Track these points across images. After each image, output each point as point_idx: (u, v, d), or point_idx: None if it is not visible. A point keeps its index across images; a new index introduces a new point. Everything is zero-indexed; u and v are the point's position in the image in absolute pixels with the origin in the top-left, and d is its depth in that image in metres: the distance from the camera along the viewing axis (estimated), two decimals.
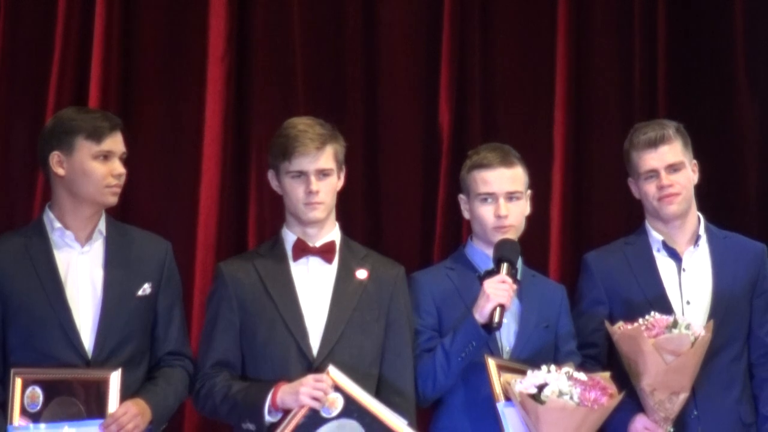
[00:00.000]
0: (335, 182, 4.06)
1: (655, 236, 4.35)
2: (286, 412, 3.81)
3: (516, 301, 4.15)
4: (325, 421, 3.79)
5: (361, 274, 4.05)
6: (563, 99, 5.28)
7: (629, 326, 4.05)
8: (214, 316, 4.02)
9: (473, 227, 4.27)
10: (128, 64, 5.00)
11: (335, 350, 3.94)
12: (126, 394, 3.81)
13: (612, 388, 3.90)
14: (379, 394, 3.92)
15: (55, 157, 3.90)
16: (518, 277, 4.11)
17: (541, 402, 3.82)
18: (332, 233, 4.09)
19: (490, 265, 4.11)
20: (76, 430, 3.71)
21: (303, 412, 3.79)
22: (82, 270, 3.92)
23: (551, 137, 5.26)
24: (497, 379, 3.96)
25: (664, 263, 4.33)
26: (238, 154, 5.06)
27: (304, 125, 4.04)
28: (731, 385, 4.25)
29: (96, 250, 3.95)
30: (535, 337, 4.17)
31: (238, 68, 5.07)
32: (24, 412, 3.73)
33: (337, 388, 3.80)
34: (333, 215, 4.10)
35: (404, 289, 4.12)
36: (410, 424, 3.85)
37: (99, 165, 3.89)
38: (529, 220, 4.28)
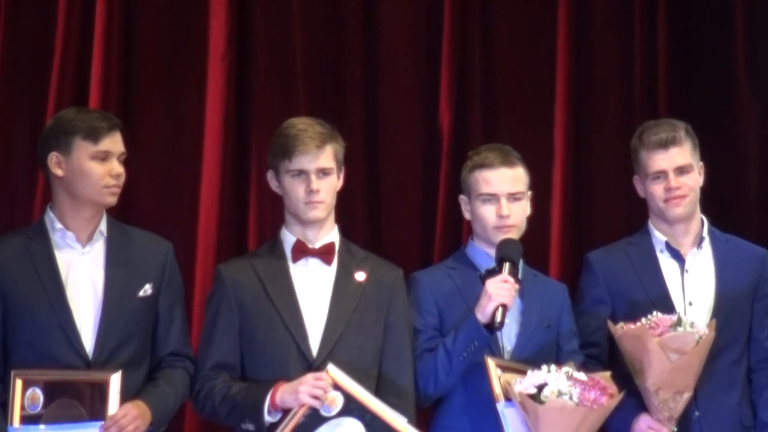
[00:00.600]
0: (335, 182, 4.06)
1: (659, 237, 4.34)
2: (286, 411, 3.81)
3: (517, 301, 4.16)
4: (325, 419, 3.79)
5: (360, 276, 4.05)
6: (563, 99, 5.28)
7: (632, 326, 4.05)
8: (213, 318, 4.03)
9: (474, 227, 4.27)
10: (129, 64, 4.99)
11: (335, 351, 3.94)
12: (126, 395, 3.81)
13: (612, 387, 3.90)
14: (378, 395, 3.91)
15: (53, 157, 3.90)
16: (519, 276, 4.12)
17: (541, 402, 3.82)
18: (331, 234, 4.09)
19: (492, 265, 4.11)
20: None
21: (303, 411, 3.79)
22: (83, 270, 3.92)
23: (552, 137, 5.25)
24: (497, 379, 3.96)
25: (667, 264, 4.33)
26: (238, 154, 5.05)
27: (304, 124, 4.04)
28: (732, 387, 4.25)
29: (97, 250, 3.95)
30: (537, 336, 4.17)
31: (238, 68, 5.06)
32: (24, 413, 3.73)
33: (337, 387, 3.80)
34: (332, 217, 4.10)
35: (403, 292, 4.13)
36: (410, 423, 3.84)
37: (97, 165, 3.89)
38: (530, 219, 4.28)
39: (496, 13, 5.29)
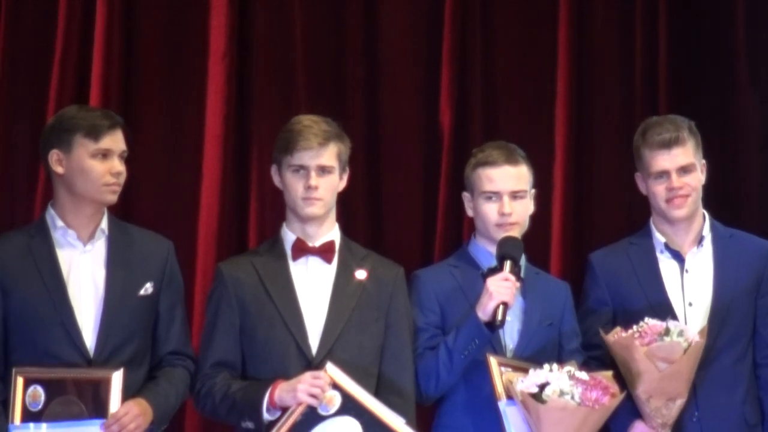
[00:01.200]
0: (336, 181, 4.06)
1: (659, 238, 4.33)
2: (284, 409, 3.81)
3: (519, 299, 4.15)
4: (323, 418, 3.79)
5: (361, 274, 4.05)
6: (564, 97, 5.28)
7: (624, 333, 4.04)
8: (213, 317, 4.03)
9: (477, 225, 4.27)
10: (129, 63, 5.00)
11: (334, 349, 3.94)
12: (127, 394, 3.80)
13: (614, 387, 3.90)
14: (378, 394, 3.91)
15: (54, 155, 3.90)
16: (522, 274, 4.12)
17: (542, 401, 3.81)
18: (332, 233, 4.08)
19: (494, 263, 4.11)
20: (78, 430, 3.72)
21: (300, 409, 3.78)
22: (84, 269, 3.91)
23: (552, 135, 5.25)
24: (499, 377, 3.96)
25: (666, 265, 4.32)
26: (239, 153, 5.06)
27: (309, 121, 4.05)
28: (735, 385, 4.23)
29: (98, 249, 3.95)
30: (539, 335, 4.17)
31: (239, 67, 5.07)
32: (25, 411, 3.73)
33: (335, 386, 3.79)
34: (333, 215, 4.09)
35: (404, 290, 4.12)
36: (409, 424, 3.84)
37: (97, 163, 3.88)
38: (531, 218, 4.27)
39: (496, 12, 5.29)
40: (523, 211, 4.20)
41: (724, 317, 4.23)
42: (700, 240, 4.33)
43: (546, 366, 3.87)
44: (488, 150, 4.23)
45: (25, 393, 3.74)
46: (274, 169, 4.09)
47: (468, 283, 4.16)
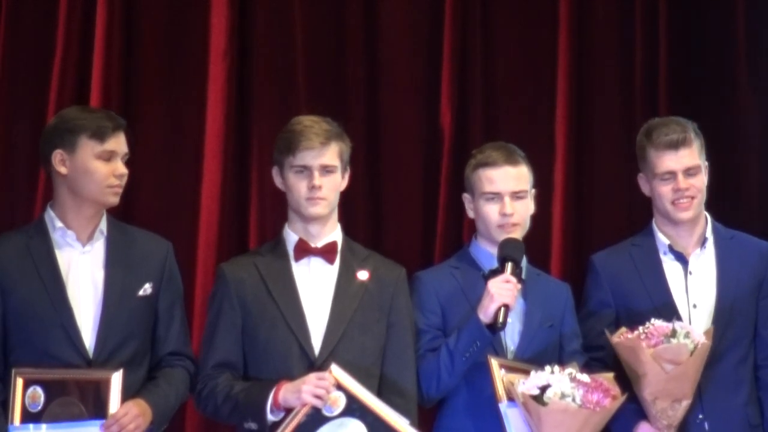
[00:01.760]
0: (338, 180, 4.06)
1: (662, 239, 4.33)
2: (288, 410, 3.81)
3: (520, 301, 4.15)
4: (327, 419, 3.79)
5: (363, 275, 4.05)
6: (564, 97, 5.27)
7: (629, 334, 4.04)
8: (215, 317, 4.02)
9: (478, 226, 4.27)
10: (129, 63, 5.00)
11: (337, 350, 3.94)
12: (127, 394, 3.80)
13: (615, 389, 3.90)
14: (380, 394, 3.91)
15: (57, 155, 3.89)
16: (523, 276, 4.12)
17: (543, 404, 3.81)
18: (334, 233, 4.08)
19: (495, 264, 4.10)
20: (77, 431, 3.71)
21: (305, 410, 3.78)
22: (83, 269, 3.91)
23: (553, 135, 5.24)
24: (500, 379, 3.96)
25: (670, 266, 4.32)
26: (239, 153, 5.06)
27: (310, 121, 4.05)
28: (738, 387, 4.23)
29: (97, 249, 3.95)
30: (540, 336, 4.17)
31: (239, 67, 5.06)
32: (25, 412, 3.73)
33: (340, 387, 3.79)
34: (335, 216, 4.09)
35: (405, 291, 4.12)
36: (412, 424, 3.84)
37: (101, 165, 3.88)
38: (531, 218, 4.27)
39: (496, 12, 5.28)
40: (524, 211, 4.20)
41: (728, 319, 4.23)
42: (703, 242, 4.33)
43: (547, 368, 3.87)
44: (488, 151, 4.23)
45: (24, 394, 3.74)
46: (275, 171, 4.09)
47: (469, 285, 4.16)
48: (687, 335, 4.00)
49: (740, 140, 5.28)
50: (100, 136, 3.88)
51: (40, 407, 3.73)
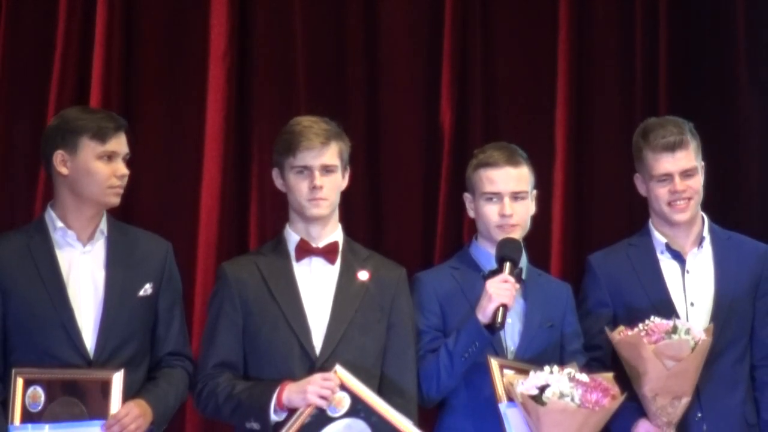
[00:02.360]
0: (339, 180, 4.06)
1: (659, 238, 4.33)
2: (292, 411, 3.81)
3: (520, 301, 4.16)
4: (332, 420, 3.79)
5: (363, 275, 4.05)
6: (564, 97, 5.27)
7: (629, 332, 4.04)
8: (216, 316, 4.02)
9: (478, 226, 4.27)
10: (129, 63, 4.99)
11: (338, 350, 3.94)
12: (127, 395, 3.80)
13: (614, 389, 3.90)
14: (380, 394, 3.90)
15: (59, 156, 3.89)
16: (523, 276, 4.12)
17: (542, 403, 3.81)
18: (335, 234, 4.09)
19: (495, 265, 4.10)
20: (78, 431, 3.72)
21: (309, 411, 3.78)
22: (83, 270, 3.91)
23: (553, 136, 5.24)
24: (500, 379, 3.96)
25: (667, 265, 4.32)
26: (239, 153, 5.05)
27: (309, 121, 4.05)
28: (735, 386, 4.24)
29: (97, 249, 3.95)
30: (540, 336, 4.17)
31: (239, 67, 5.06)
32: (25, 412, 3.73)
33: (344, 387, 3.80)
34: (336, 216, 4.10)
35: (406, 291, 4.12)
36: (415, 425, 3.84)
37: (103, 165, 3.88)
38: (531, 218, 4.27)
39: (496, 12, 5.28)
40: (524, 212, 4.19)
41: (726, 317, 4.23)
42: (700, 241, 4.33)
43: (546, 368, 3.87)
44: (489, 151, 4.22)
45: (24, 394, 3.74)
46: (275, 173, 4.09)
47: (469, 285, 4.15)
48: (688, 332, 4.00)
49: (740, 140, 5.28)
50: (101, 136, 3.88)
51: (40, 407, 3.73)
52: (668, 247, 4.32)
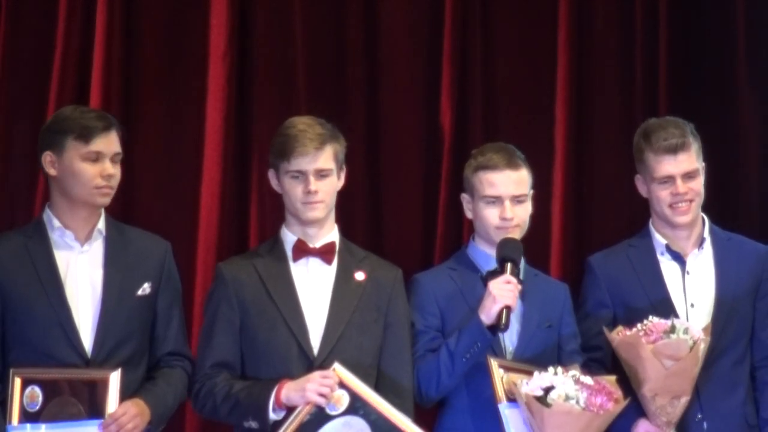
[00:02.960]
0: (335, 182, 4.06)
1: (659, 240, 4.33)
2: (290, 409, 3.81)
3: (519, 301, 4.13)
4: (330, 418, 3.79)
5: (360, 275, 4.05)
6: (564, 97, 5.27)
7: (628, 332, 4.04)
8: (213, 316, 4.02)
9: (476, 227, 4.26)
10: (129, 63, 4.99)
11: (336, 350, 3.94)
12: (125, 394, 3.81)
13: (618, 393, 3.90)
14: (378, 393, 3.90)
15: (47, 156, 3.90)
16: (521, 276, 4.12)
17: (547, 405, 3.81)
18: (332, 234, 4.09)
19: (493, 265, 4.11)
20: (76, 430, 3.72)
21: (308, 409, 3.79)
22: (81, 269, 3.92)
23: (552, 135, 5.23)
24: (499, 380, 3.96)
25: (668, 267, 4.32)
26: (239, 153, 5.05)
27: (303, 125, 4.04)
28: (735, 387, 4.24)
29: (96, 249, 3.95)
30: (538, 336, 4.17)
31: (239, 67, 5.06)
32: (23, 411, 3.73)
33: (343, 385, 3.80)
34: (332, 217, 4.10)
35: (402, 292, 4.12)
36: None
37: (88, 166, 3.87)
38: (531, 219, 4.27)
39: (496, 12, 5.28)
40: (523, 214, 4.19)
41: (727, 318, 4.23)
42: (700, 242, 4.33)
43: (550, 369, 3.87)
44: (489, 153, 4.21)
45: (22, 393, 3.74)
46: (271, 174, 4.09)
47: (467, 287, 4.16)
48: (686, 331, 4.00)
49: (740, 140, 5.27)
50: (84, 137, 3.86)
51: (38, 407, 3.73)
52: (668, 249, 4.32)
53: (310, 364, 3.92)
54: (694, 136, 4.29)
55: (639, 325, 4.02)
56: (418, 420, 3.95)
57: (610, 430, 4.01)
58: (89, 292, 3.90)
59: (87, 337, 3.86)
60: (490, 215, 4.16)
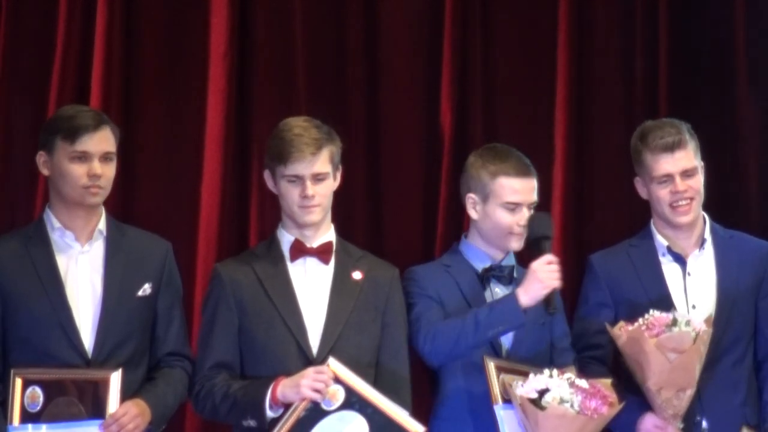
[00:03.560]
0: (331, 184, 4.05)
1: (660, 241, 4.33)
2: (287, 406, 3.81)
3: None
4: (327, 413, 3.80)
5: (357, 275, 4.05)
6: (564, 98, 5.27)
7: (629, 327, 4.04)
8: (211, 317, 4.02)
9: (482, 228, 4.23)
10: (130, 63, 4.99)
11: (335, 349, 3.94)
12: (125, 395, 3.81)
13: (612, 396, 3.90)
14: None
15: (41, 157, 3.91)
16: (514, 274, 4.17)
17: (542, 408, 3.81)
18: (328, 234, 4.09)
19: (487, 263, 4.17)
20: (77, 431, 3.72)
21: (304, 405, 3.79)
22: (82, 270, 3.92)
23: (553, 135, 5.23)
24: (495, 381, 3.96)
25: (669, 268, 4.31)
26: (239, 153, 5.05)
27: (300, 128, 4.03)
28: (736, 387, 4.24)
29: (96, 250, 3.95)
30: (532, 334, 4.16)
31: (239, 67, 5.06)
32: (24, 412, 3.73)
33: (338, 380, 3.80)
34: (329, 217, 4.09)
35: (399, 291, 4.12)
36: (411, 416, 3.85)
37: (75, 166, 3.86)
38: None
39: (496, 12, 5.28)
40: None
41: (728, 319, 4.23)
42: (701, 243, 4.33)
43: (546, 371, 3.87)
44: (510, 159, 4.20)
45: (23, 394, 3.74)
46: (267, 174, 4.08)
47: (465, 282, 4.17)
48: (688, 323, 4.00)
49: (740, 140, 5.27)
50: (71, 137, 3.86)
51: (39, 407, 3.74)
52: (669, 250, 4.32)
53: (309, 364, 3.91)
54: (690, 134, 4.29)
55: (641, 320, 4.02)
56: (415, 416, 3.94)
57: (613, 425, 4.02)
58: (90, 293, 3.90)
59: (87, 338, 3.86)
60: (507, 220, 4.17)
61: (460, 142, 5.14)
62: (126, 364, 3.85)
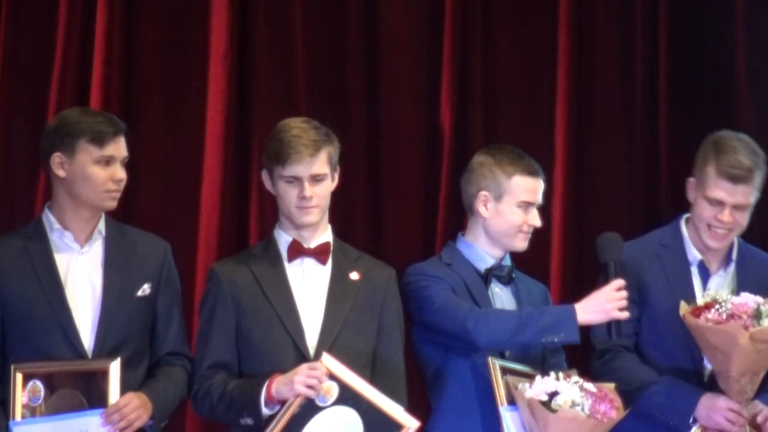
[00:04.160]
0: (329, 185, 4.04)
1: (695, 254, 4.28)
2: (283, 403, 3.81)
3: (513, 301, 4.19)
4: (321, 409, 3.79)
5: (354, 276, 4.05)
6: (564, 99, 5.28)
7: (708, 314, 4.01)
8: (209, 318, 4.01)
9: (489, 226, 4.19)
10: (130, 63, 5.00)
11: (332, 349, 3.91)
12: (125, 392, 3.79)
13: (618, 401, 3.91)
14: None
15: (56, 158, 3.88)
16: (513, 274, 4.20)
17: (552, 410, 3.81)
18: (326, 235, 4.08)
19: (489, 263, 4.18)
20: (79, 421, 3.72)
21: (298, 401, 3.78)
22: (81, 270, 3.91)
23: (553, 135, 5.25)
24: (500, 382, 3.96)
25: (695, 279, 4.29)
26: (239, 154, 5.06)
27: (298, 129, 4.01)
28: None
29: (95, 250, 3.94)
30: None
31: (239, 68, 5.06)
32: (26, 406, 3.73)
33: (332, 376, 3.79)
34: (326, 218, 4.08)
35: (396, 291, 4.11)
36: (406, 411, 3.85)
37: (100, 170, 3.87)
38: None
39: (497, 13, 5.30)
40: None
41: None
42: (728, 263, 4.30)
43: (552, 374, 3.88)
44: (522, 159, 4.20)
45: (24, 388, 3.74)
46: (264, 175, 4.07)
47: (471, 281, 4.16)
48: None
49: None
50: (99, 141, 3.86)
51: (40, 401, 3.73)
52: (701, 265, 4.28)
53: None
54: (761, 169, 4.20)
55: (717, 306, 4.00)
56: (411, 412, 3.94)
57: (655, 409, 4.10)
58: (89, 293, 3.89)
59: (87, 338, 3.85)
60: (520, 219, 4.17)
61: (460, 142, 5.15)
62: (126, 365, 3.84)
